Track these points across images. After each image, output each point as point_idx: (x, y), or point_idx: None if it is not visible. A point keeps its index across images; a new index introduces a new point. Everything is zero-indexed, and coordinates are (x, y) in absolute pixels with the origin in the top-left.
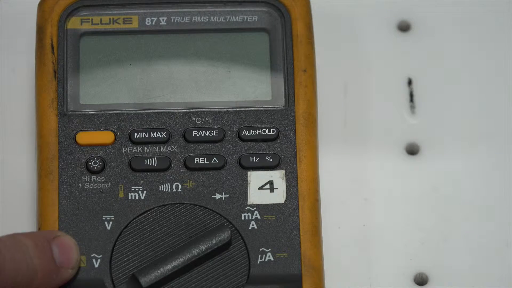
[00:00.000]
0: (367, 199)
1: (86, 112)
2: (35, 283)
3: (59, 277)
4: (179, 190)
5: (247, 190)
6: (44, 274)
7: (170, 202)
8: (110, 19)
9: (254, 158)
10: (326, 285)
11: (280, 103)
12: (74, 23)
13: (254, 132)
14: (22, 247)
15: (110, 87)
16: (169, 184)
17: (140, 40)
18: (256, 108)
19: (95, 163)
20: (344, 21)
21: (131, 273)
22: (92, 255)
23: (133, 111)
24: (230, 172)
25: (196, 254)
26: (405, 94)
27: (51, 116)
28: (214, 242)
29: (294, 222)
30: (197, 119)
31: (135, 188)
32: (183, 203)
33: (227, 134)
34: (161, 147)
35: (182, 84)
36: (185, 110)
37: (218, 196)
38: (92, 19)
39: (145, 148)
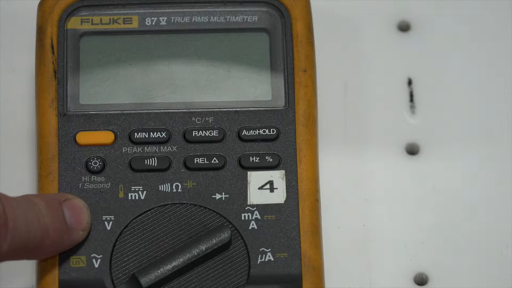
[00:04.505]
0: (367, 199)
1: (86, 112)
2: (47, 242)
3: (70, 239)
4: (179, 190)
5: (247, 190)
6: (56, 234)
7: (170, 202)
8: (110, 19)
9: (254, 158)
10: (326, 285)
11: (280, 103)
12: (74, 23)
13: (254, 132)
14: (34, 206)
15: (110, 87)
16: (169, 184)
17: (140, 40)
18: (256, 108)
19: (95, 163)
20: (344, 21)
21: (131, 273)
22: (92, 255)
23: (133, 111)
24: (230, 172)
25: (196, 254)
26: (405, 94)
27: (51, 116)
28: (214, 242)
29: (294, 222)
30: (197, 119)
31: (135, 188)
32: (183, 203)
33: (227, 134)
34: (161, 147)
35: (182, 84)
36: (185, 110)
37: (218, 196)
38: (92, 19)
39: (145, 148)
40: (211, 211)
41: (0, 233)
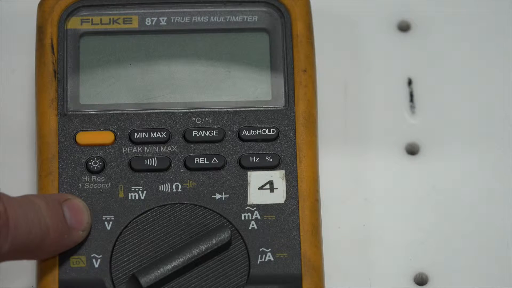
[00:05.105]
0: (367, 199)
1: (86, 112)
2: (47, 242)
3: (70, 238)
4: (179, 190)
5: (247, 190)
6: (56, 233)
7: (170, 202)
8: (110, 19)
9: (254, 158)
10: (326, 285)
11: (280, 103)
12: (74, 23)
13: (254, 132)
14: (34, 206)
15: (110, 87)
16: (169, 184)
17: (140, 40)
18: (256, 108)
19: (95, 163)
20: (344, 21)
21: (131, 273)
22: (92, 255)
23: (133, 111)
24: (230, 172)
25: (196, 254)
26: (405, 94)
27: (51, 116)
28: (214, 242)
29: (294, 222)
30: (197, 119)
31: (135, 188)
32: (183, 203)
33: (227, 134)
34: (161, 147)
35: (182, 84)
36: (185, 110)
37: (218, 196)
38: (92, 19)
39: (145, 148)
40: (211, 211)
41: (1, 233)
